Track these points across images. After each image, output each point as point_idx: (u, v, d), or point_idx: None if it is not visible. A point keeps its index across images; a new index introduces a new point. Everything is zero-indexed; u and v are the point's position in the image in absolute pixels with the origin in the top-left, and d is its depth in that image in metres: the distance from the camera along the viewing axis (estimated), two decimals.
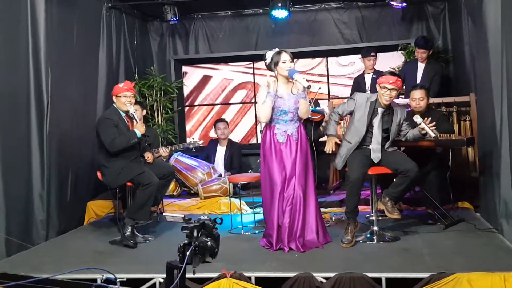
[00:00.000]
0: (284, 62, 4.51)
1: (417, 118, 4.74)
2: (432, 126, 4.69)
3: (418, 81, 6.54)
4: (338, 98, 8.21)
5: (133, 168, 5.03)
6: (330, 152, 4.96)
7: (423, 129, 4.66)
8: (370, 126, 4.72)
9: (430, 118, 4.85)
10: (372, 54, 6.88)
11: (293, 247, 4.43)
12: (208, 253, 2.39)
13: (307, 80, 4.37)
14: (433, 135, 4.62)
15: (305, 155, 4.61)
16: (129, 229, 4.97)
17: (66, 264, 4.36)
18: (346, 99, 5.07)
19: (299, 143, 4.59)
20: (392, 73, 4.90)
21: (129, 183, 5.12)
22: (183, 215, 2.61)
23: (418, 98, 5.40)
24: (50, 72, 5.35)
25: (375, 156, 4.70)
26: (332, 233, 4.83)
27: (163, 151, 6.01)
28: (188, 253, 2.30)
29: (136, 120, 5.08)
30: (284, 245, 4.45)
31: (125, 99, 5.11)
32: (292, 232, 4.47)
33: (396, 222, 5.11)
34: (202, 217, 2.48)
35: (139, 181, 4.96)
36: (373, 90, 6.15)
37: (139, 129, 5.06)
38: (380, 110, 4.71)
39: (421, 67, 6.73)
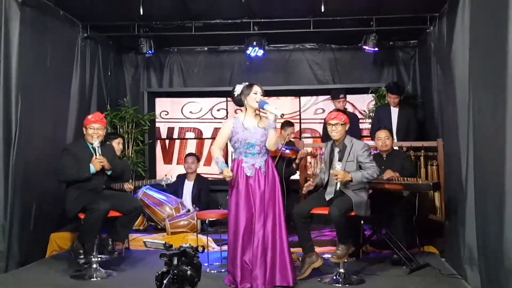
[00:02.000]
0: (255, 93, 4.53)
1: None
2: (385, 181, 4.93)
3: (394, 125, 6.66)
4: (310, 137, 8.30)
5: (86, 197, 4.96)
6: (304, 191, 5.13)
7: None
8: (331, 169, 4.80)
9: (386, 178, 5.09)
10: (341, 96, 6.97)
11: (259, 285, 4.37)
12: (187, 283, 2.30)
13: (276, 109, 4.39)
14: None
15: (274, 188, 4.56)
16: (81, 252, 4.88)
17: None
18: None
19: (267, 176, 4.56)
20: (336, 110, 5.02)
21: (81, 215, 4.98)
22: (164, 242, 2.50)
23: (383, 137, 5.57)
24: (21, 100, 5.27)
25: (327, 193, 4.80)
26: (298, 273, 4.80)
27: (127, 187, 5.91)
28: (165, 281, 2.21)
29: (96, 154, 5.03)
30: (249, 283, 4.39)
31: (91, 131, 5.09)
32: (258, 269, 4.40)
33: (363, 264, 5.12)
34: (184, 245, 2.40)
35: (88, 208, 4.88)
36: None
37: (94, 165, 5.00)
38: (336, 149, 4.81)
39: (394, 111, 6.86)
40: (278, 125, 5.06)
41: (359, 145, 4.78)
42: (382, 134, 5.65)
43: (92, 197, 4.96)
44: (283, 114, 4.40)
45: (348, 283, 4.60)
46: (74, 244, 4.96)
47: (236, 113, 4.68)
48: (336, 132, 4.79)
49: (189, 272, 2.30)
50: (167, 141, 8.64)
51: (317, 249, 5.54)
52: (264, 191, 4.52)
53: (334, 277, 4.68)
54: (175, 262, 2.28)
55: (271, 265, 4.44)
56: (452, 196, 5.12)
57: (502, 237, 3.52)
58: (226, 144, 4.74)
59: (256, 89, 4.55)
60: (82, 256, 4.86)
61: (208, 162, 8.43)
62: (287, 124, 6.89)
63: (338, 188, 4.65)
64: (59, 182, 5.19)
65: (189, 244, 2.42)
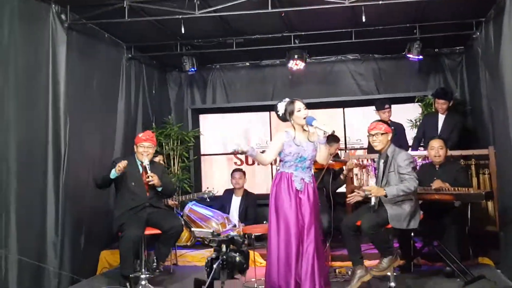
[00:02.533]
0: (299, 111, 4.50)
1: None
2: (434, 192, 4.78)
3: (438, 132, 6.49)
4: (355, 149, 8.19)
5: (125, 217, 5.06)
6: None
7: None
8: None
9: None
10: (386, 106, 6.86)
11: None
12: (236, 268, 2.29)
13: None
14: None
15: (317, 203, 4.56)
16: (126, 284, 4.93)
17: None
18: None
19: (314, 191, 4.53)
20: (376, 121, 4.91)
21: (119, 233, 5.08)
22: (212, 231, 2.50)
23: (437, 147, 5.41)
24: (69, 121, 5.43)
25: (372, 201, 4.66)
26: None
27: (171, 203, 5.95)
28: (215, 266, 2.20)
29: (146, 171, 5.10)
30: None
31: (142, 149, 5.20)
32: (308, 285, 4.32)
33: (415, 278, 4.98)
34: (231, 233, 2.39)
35: (121, 231, 4.99)
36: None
37: (116, 168, 5.02)
38: (381, 160, 4.73)
39: (441, 118, 6.70)
40: None
41: (401, 156, 4.63)
42: (435, 144, 5.46)
43: (129, 218, 5.05)
44: (333, 131, 4.37)
45: None
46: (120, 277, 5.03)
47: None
48: (377, 142, 4.71)
49: (238, 258, 2.30)
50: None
51: (367, 263, 5.44)
52: (312, 206, 4.47)
53: None
54: (224, 249, 2.27)
55: (319, 280, 4.36)
56: (507, 205, 4.93)
57: None
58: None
59: (299, 105, 4.51)
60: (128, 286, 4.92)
61: None
62: (333, 139, 6.78)
63: (373, 203, 4.57)
64: (96, 187, 5.33)
65: (237, 233, 2.42)
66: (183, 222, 6.14)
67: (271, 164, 6.48)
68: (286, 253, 4.42)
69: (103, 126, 6.35)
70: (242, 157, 8.54)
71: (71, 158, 5.45)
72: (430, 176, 5.28)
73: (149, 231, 5.07)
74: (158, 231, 5.09)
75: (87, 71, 5.95)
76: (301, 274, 4.35)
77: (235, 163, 8.59)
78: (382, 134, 4.69)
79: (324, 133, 4.36)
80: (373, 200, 4.57)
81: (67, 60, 5.44)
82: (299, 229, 4.42)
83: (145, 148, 5.21)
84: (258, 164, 4.28)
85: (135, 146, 5.30)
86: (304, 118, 4.46)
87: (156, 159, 6.21)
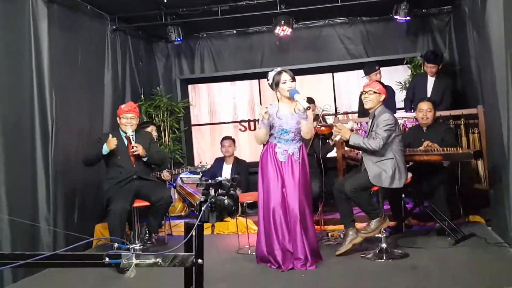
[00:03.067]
0: (284, 83, 4.48)
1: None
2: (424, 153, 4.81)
3: (428, 95, 6.48)
4: (346, 113, 8.18)
5: (113, 190, 5.10)
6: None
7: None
8: None
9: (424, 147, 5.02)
10: (377, 67, 6.85)
11: (300, 266, 4.36)
12: (225, 211, 2.32)
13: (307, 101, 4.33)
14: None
15: (305, 175, 4.57)
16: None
17: (72, 287, 4.33)
18: None
19: (301, 163, 4.55)
20: (374, 80, 4.92)
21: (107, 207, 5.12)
22: (200, 176, 2.52)
23: (425, 110, 5.40)
24: (55, 95, 5.37)
25: (362, 167, 4.72)
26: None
27: (165, 175, 5.97)
28: (204, 208, 2.23)
29: (131, 142, 5.10)
30: (291, 264, 4.39)
31: (125, 120, 5.18)
32: (298, 252, 4.40)
33: (406, 238, 5.04)
34: (219, 178, 2.43)
35: (108, 205, 5.04)
36: None
37: (108, 144, 5.07)
38: (370, 120, 4.74)
39: (431, 80, 6.67)
40: None
41: (383, 116, 4.61)
42: (424, 106, 5.45)
43: (116, 192, 5.08)
44: (309, 107, 4.31)
45: (392, 257, 4.53)
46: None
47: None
48: (368, 99, 4.70)
49: (226, 201, 2.31)
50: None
51: (360, 225, 5.50)
52: (297, 177, 4.50)
53: (377, 253, 4.61)
54: (212, 192, 2.30)
55: (303, 246, 4.41)
56: (496, 163, 4.96)
57: None
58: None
59: (285, 77, 4.50)
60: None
61: None
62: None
63: (335, 140, 4.71)
64: (84, 165, 5.36)
65: (225, 178, 2.45)
66: (172, 193, 6.18)
67: None
68: (267, 223, 4.52)
69: (91, 99, 6.30)
70: (246, 123, 8.56)
71: (59, 133, 5.41)
72: (418, 138, 5.30)
73: (138, 203, 5.08)
74: (147, 203, 5.11)
75: (70, 44, 5.87)
76: (290, 242, 4.42)
77: (240, 129, 8.58)
78: (374, 92, 4.68)
79: (304, 109, 4.35)
80: (337, 138, 4.67)
81: (49, 34, 5.35)
82: (282, 201, 4.47)
83: (128, 119, 5.20)
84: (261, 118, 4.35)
85: (118, 118, 5.29)
86: (288, 90, 4.44)
87: (148, 129, 6.20)
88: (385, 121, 4.56)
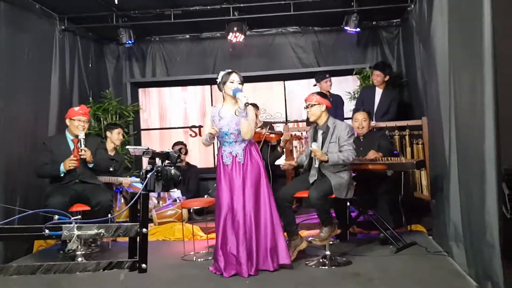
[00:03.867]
0: (232, 82, 4.49)
1: (313, 146, 4.69)
2: (369, 162, 4.91)
3: (375, 106, 6.62)
4: (297, 121, 8.25)
5: (54, 192, 4.99)
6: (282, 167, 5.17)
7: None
8: None
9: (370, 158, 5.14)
10: (327, 76, 6.98)
11: (243, 272, 4.35)
12: (172, 181, 2.27)
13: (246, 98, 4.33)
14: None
15: (255, 176, 4.52)
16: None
17: None
18: None
19: (247, 164, 4.53)
20: (311, 93, 4.94)
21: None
22: (146, 147, 2.44)
23: (361, 119, 5.57)
24: None
25: (311, 176, 4.77)
26: None
27: (125, 182, 5.89)
28: (149, 176, 2.17)
29: (80, 146, 4.99)
30: (234, 270, 4.38)
31: (78, 123, 5.09)
32: (242, 256, 4.38)
33: (350, 246, 5.11)
34: (167, 149, 2.38)
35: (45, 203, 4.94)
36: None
37: (64, 165, 4.98)
38: (319, 131, 4.77)
39: (378, 92, 6.82)
40: None
41: (342, 127, 4.74)
42: (359, 116, 5.65)
43: (55, 189, 5.00)
44: (247, 103, 4.31)
45: (335, 265, 4.59)
46: None
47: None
48: (310, 113, 4.78)
49: (173, 171, 2.27)
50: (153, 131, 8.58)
51: (305, 232, 5.56)
52: (243, 178, 4.48)
53: (321, 260, 4.66)
54: (159, 162, 2.25)
55: (255, 252, 4.41)
56: (438, 173, 5.09)
57: (484, 211, 3.50)
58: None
59: (234, 77, 4.50)
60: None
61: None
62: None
63: (317, 164, 4.69)
64: (38, 177, 5.19)
65: (173, 150, 2.41)
66: (118, 199, 6.09)
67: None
68: (217, 226, 4.51)
69: (36, 100, 6.10)
70: (196, 129, 8.50)
71: (2, 134, 5.24)
72: (356, 147, 5.40)
73: (78, 207, 4.96)
74: (87, 208, 5.00)
75: (17, 43, 5.68)
76: (236, 247, 4.41)
77: (190, 135, 8.51)
78: (313, 105, 4.74)
79: (244, 106, 4.33)
80: (317, 162, 4.67)
81: None
82: (228, 203, 4.46)
83: (81, 122, 5.11)
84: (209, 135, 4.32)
85: (67, 120, 5.17)
86: (232, 89, 4.45)
87: (116, 131, 6.18)
88: (346, 130, 4.70)
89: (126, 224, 2.12)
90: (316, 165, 4.73)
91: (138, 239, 2.21)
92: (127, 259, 4.76)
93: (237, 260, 4.38)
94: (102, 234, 2.10)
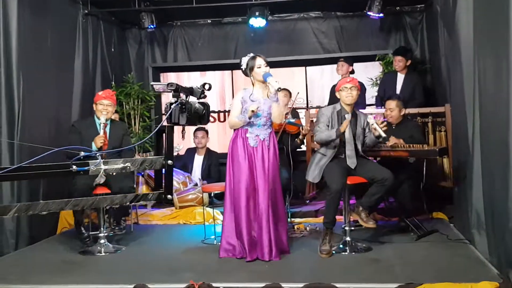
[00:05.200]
0: (259, 67, 4.47)
1: (370, 119, 4.68)
2: (383, 127, 4.60)
3: (398, 92, 6.56)
4: (319, 107, 8.21)
5: (77, 180, 5.00)
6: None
7: (375, 129, 4.56)
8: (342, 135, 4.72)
9: (382, 119, 5.03)
10: (340, 59, 6.90)
11: (265, 256, 4.38)
12: (196, 115, 2.26)
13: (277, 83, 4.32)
14: (383, 135, 4.52)
15: (275, 162, 4.55)
16: (82, 228, 5.08)
17: (32, 275, 4.27)
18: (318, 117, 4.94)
19: (271, 150, 4.53)
20: (351, 77, 4.91)
21: None
22: (171, 82, 2.43)
23: (388, 108, 5.49)
24: (22, 79, 5.25)
25: (351, 162, 4.71)
26: (305, 243, 4.87)
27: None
28: (173, 106, 2.18)
29: (100, 132, 5.02)
30: (255, 255, 4.41)
31: (101, 107, 5.13)
32: (263, 242, 4.40)
33: (370, 232, 5.10)
34: (194, 86, 2.38)
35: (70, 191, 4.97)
36: None
37: (95, 143, 4.97)
38: (347, 116, 4.72)
39: (400, 77, 6.74)
40: None
41: (365, 116, 4.80)
42: (389, 104, 5.59)
43: (77, 178, 4.97)
44: (280, 88, 4.32)
45: (355, 251, 4.58)
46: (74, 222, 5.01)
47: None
48: (351, 96, 4.69)
49: (197, 105, 2.27)
50: None
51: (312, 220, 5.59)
52: (267, 163, 4.50)
53: (341, 246, 4.66)
54: (183, 96, 2.25)
55: (274, 236, 4.43)
56: (461, 161, 5.04)
57: (507, 199, 3.47)
58: None
59: (260, 61, 4.49)
60: (83, 232, 4.94)
61: None
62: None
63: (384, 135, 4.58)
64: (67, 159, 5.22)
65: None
66: (140, 183, 6.13)
67: None
68: (237, 211, 4.50)
69: (60, 84, 6.17)
70: (215, 114, 8.50)
71: (26, 117, 5.30)
72: (387, 134, 5.35)
73: (99, 190, 4.99)
74: (108, 190, 5.04)
75: (40, 27, 5.75)
76: (257, 231, 4.43)
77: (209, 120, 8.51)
78: (356, 89, 4.73)
79: (275, 91, 4.35)
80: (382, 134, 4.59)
81: (18, 16, 5.21)
82: (251, 188, 4.46)
83: (105, 106, 5.13)
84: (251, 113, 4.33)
85: (94, 105, 5.22)
86: (262, 74, 4.44)
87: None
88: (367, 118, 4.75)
89: (151, 157, 2.15)
90: (353, 151, 4.70)
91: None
92: (149, 242, 4.85)
93: (260, 244, 4.40)
94: (128, 167, 2.13)
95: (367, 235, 5.07)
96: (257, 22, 7.26)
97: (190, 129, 7.80)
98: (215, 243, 5.11)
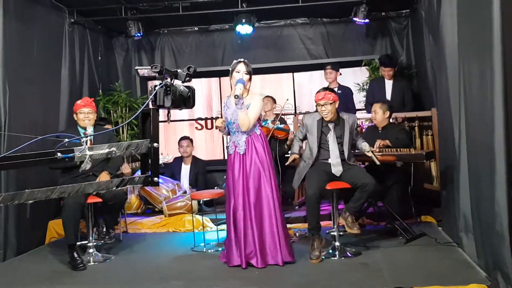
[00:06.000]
0: (238, 72, 4.46)
1: (365, 147, 4.73)
2: (378, 153, 4.77)
3: (388, 98, 6.59)
4: (308, 112, 8.22)
5: (64, 183, 4.92)
6: (288, 164, 5.08)
7: (369, 157, 4.69)
8: (322, 143, 4.77)
9: (376, 146, 5.12)
10: (327, 67, 6.93)
11: (253, 263, 4.38)
12: (181, 98, 2.24)
13: (240, 90, 4.30)
14: (378, 163, 4.64)
15: (257, 168, 4.47)
16: (72, 252, 4.74)
17: (21, 285, 4.25)
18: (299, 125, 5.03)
19: (248, 156, 4.49)
20: (323, 89, 4.91)
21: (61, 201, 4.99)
22: (153, 64, 2.41)
23: (373, 111, 5.55)
24: (8, 88, 5.22)
25: (336, 170, 4.72)
26: (296, 248, 4.83)
27: (125, 167, 5.90)
28: (158, 88, 2.16)
29: (91, 142, 4.99)
30: (241, 261, 4.40)
31: (82, 115, 5.09)
32: (247, 248, 4.38)
33: (359, 237, 5.11)
34: (178, 70, 2.36)
35: (63, 200, 4.89)
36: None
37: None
38: (330, 125, 4.76)
39: (388, 83, 6.78)
40: None
41: (353, 118, 4.84)
42: (373, 107, 5.67)
43: (72, 182, 4.92)
44: (237, 96, 4.29)
45: (344, 255, 4.60)
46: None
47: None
48: (326, 112, 4.71)
49: (182, 87, 2.25)
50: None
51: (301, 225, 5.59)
52: (244, 169, 4.47)
53: (330, 251, 4.67)
54: (169, 79, 2.23)
55: (259, 243, 4.39)
56: (447, 164, 5.08)
57: (494, 201, 3.50)
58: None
59: (240, 67, 4.48)
60: (75, 256, 4.72)
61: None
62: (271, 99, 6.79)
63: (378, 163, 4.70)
64: (50, 169, 5.19)
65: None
66: (129, 190, 6.10)
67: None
68: (227, 217, 4.53)
69: (46, 94, 6.15)
70: (202, 122, 8.48)
71: (12, 126, 5.27)
72: (373, 137, 5.41)
73: (91, 200, 4.97)
74: (99, 199, 5.01)
75: (26, 36, 5.73)
76: (237, 236, 4.44)
77: (196, 127, 8.49)
78: (331, 104, 4.72)
79: (236, 96, 4.33)
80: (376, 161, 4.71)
81: (4, 25, 5.21)
82: (234, 193, 4.47)
83: (86, 114, 5.10)
84: (216, 128, 4.29)
85: (74, 115, 5.19)
86: (237, 79, 4.43)
87: (104, 127, 6.12)
88: (356, 123, 4.86)
89: (136, 141, 2.14)
90: (338, 159, 4.72)
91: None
92: (138, 250, 4.83)
93: (245, 252, 4.38)
94: (113, 152, 2.11)
95: (356, 240, 5.09)
96: (244, 29, 7.28)
97: (175, 139, 7.78)
98: (204, 250, 5.11)
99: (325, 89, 4.91)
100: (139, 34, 7.28)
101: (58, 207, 5.97)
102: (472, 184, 4.18)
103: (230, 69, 4.58)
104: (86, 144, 2.16)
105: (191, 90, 2.30)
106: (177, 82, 2.28)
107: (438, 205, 5.64)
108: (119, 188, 4.72)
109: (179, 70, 2.29)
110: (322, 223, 4.85)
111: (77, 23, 6.90)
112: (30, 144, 5.33)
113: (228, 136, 4.67)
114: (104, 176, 5.05)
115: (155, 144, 2.15)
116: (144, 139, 2.15)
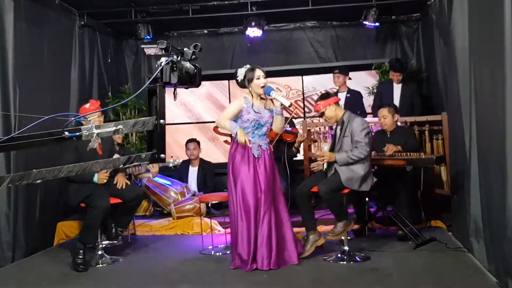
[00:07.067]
0: (258, 78, 4.52)
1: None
2: (388, 158, 4.80)
3: (395, 101, 6.56)
4: (314, 117, 8.22)
5: (85, 189, 4.92)
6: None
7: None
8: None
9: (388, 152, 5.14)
10: (335, 71, 6.92)
11: (265, 266, 4.37)
12: (187, 75, 2.24)
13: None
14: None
15: (274, 170, 4.65)
16: (81, 252, 4.78)
17: (30, 286, 4.25)
18: None
19: (270, 157, 4.62)
20: (318, 99, 4.89)
21: (82, 204, 4.96)
22: (159, 41, 2.41)
23: (382, 116, 5.52)
24: (18, 90, 5.24)
25: (329, 171, 4.76)
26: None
27: (152, 166, 5.74)
28: (164, 64, 2.16)
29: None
30: (255, 264, 4.40)
31: (92, 119, 5.06)
32: (265, 250, 4.40)
33: (368, 241, 5.09)
34: (185, 48, 2.35)
35: (88, 203, 4.88)
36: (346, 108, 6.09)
37: (98, 178, 4.97)
38: (338, 127, 4.82)
39: (397, 87, 6.75)
40: None
41: (357, 122, 4.70)
42: (382, 112, 5.61)
43: (93, 190, 4.92)
44: (291, 104, 4.42)
45: (353, 260, 4.57)
46: (76, 243, 4.90)
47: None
48: (327, 119, 4.83)
49: (188, 64, 2.25)
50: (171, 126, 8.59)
51: (323, 228, 5.54)
52: (270, 171, 4.55)
53: (339, 255, 4.65)
54: (175, 57, 2.23)
55: (277, 245, 4.44)
56: (458, 169, 5.04)
57: (505, 207, 3.46)
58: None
59: (259, 73, 4.54)
60: (81, 256, 4.76)
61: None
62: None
63: (324, 168, 4.75)
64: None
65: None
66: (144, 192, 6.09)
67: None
68: (246, 220, 4.48)
69: (56, 96, 6.15)
70: (211, 124, 8.44)
71: (22, 128, 5.27)
72: (381, 142, 5.39)
73: (113, 201, 4.97)
74: (120, 201, 5.03)
75: (36, 39, 5.75)
76: (260, 240, 4.42)
77: (225, 141, 8.42)
78: (324, 111, 4.74)
79: (281, 105, 4.40)
80: (324, 165, 4.71)
81: (14, 28, 5.21)
82: (257, 197, 4.46)
83: (97, 117, 5.10)
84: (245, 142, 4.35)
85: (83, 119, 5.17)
86: (262, 87, 4.47)
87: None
88: (361, 126, 4.64)
89: (143, 118, 2.13)
90: (323, 165, 4.79)
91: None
92: (146, 253, 4.82)
93: (261, 254, 4.40)
94: (120, 129, 2.11)
95: (365, 244, 5.06)
96: (254, 32, 7.27)
97: (182, 140, 7.77)
98: (212, 253, 5.10)
99: (318, 99, 4.88)
100: (148, 37, 7.29)
101: (67, 208, 6.00)
102: (482, 189, 4.15)
103: (241, 77, 4.61)
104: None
105: (198, 68, 2.31)
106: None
107: (448, 210, 5.59)
108: (126, 166, 4.77)
109: (185, 49, 2.29)
110: (331, 227, 4.84)
111: (87, 25, 6.93)
112: (39, 150, 5.35)
113: (250, 139, 4.56)
114: (121, 175, 5.15)
115: (162, 121, 2.14)
116: (150, 116, 2.15)
